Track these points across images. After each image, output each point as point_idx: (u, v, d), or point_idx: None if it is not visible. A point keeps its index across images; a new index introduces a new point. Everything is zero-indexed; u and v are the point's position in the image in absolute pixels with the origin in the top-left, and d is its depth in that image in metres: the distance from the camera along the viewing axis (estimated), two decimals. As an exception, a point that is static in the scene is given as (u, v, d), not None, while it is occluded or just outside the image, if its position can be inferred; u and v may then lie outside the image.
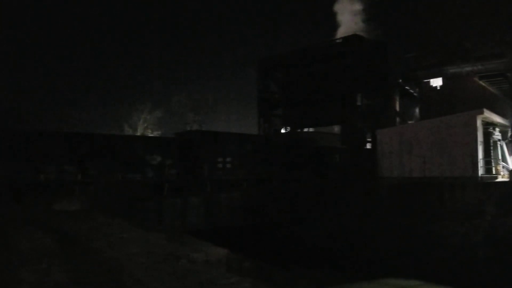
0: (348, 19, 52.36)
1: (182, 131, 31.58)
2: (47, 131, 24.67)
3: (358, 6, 52.24)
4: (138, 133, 54.09)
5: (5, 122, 37.48)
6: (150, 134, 54.61)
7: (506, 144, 33.09)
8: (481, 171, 27.64)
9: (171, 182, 25.72)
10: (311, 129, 51.61)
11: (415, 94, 47.47)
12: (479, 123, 28.29)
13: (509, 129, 33.81)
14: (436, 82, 42.98)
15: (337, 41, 43.88)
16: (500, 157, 31.61)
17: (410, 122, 44.50)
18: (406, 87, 46.96)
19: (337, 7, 53.92)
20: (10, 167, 21.20)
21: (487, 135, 30.45)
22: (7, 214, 15.48)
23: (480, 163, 27.66)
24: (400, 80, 46.14)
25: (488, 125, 30.79)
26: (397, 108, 45.34)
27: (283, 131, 49.09)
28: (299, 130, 49.22)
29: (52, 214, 16.08)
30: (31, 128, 34.70)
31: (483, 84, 39.71)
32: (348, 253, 24.79)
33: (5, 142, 21.41)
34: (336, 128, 51.71)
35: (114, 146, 25.15)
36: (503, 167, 31.27)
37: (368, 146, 40.69)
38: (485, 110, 28.55)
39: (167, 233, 12.08)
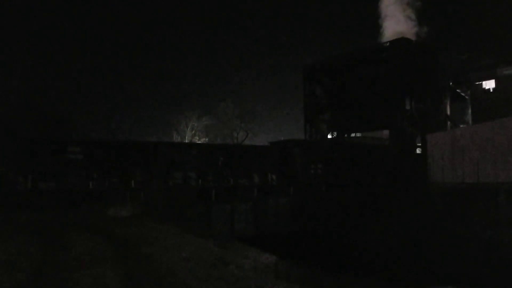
0: (396, 20, 51.29)
1: (277, 141, 34.82)
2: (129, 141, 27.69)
3: (407, 6, 51.03)
4: (186, 140, 54.90)
5: (53, 130, 38.61)
6: (198, 141, 55.33)
7: None
8: (539, 176, 26.38)
9: (272, 186, 28.64)
10: (358, 134, 50.93)
11: (466, 97, 45.95)
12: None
13: None
14: (489, 84, 41.52)
15: (384, 44, 43.09)
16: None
17: (462, 126, 43.08)
18: (457, 90, 45.52)
19: (385, 7, 52.89)
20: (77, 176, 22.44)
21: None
22: (64, 220, 16.07)
23: (538, 167, 26.41)
24: (451, 83, 44.77)
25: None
26: (448, 111, 43.98)
27: (329, 136, 48.67)
28: (345, 135, 48.67)
29: (106, 220, 16.56)
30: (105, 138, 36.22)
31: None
32: (401, 259, 24.20)
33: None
34: (385, 133, 50.76)
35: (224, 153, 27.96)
36: None
37: (418, 151, 39.73)
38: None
39: (216, 238, 12.21)
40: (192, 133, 56.97)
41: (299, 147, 30.91)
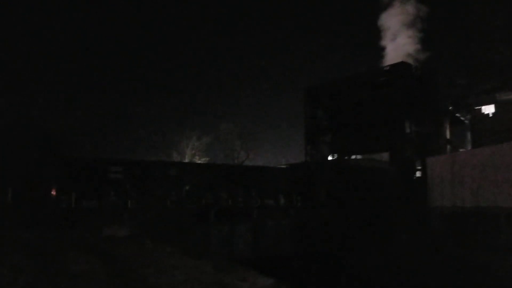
0: (397, 42, 51.78)
1: (297, 162, 35.64)
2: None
3: (409, 29, 51.55)
4: (186, 160, 54.77)
5: (58, 150, 38.49)
6: (198, 161, 55.25)
7: None
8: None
9: (296, 207, 29.47)
10: (358, 156, 50.91)
11: (466, 121, 46.08)
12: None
13: None
14: (488, 109, 41.65)
15: (384, 68, 43.46)
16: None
17: (461, 150, 43.10)
18: (457, 114, 45.68)
19: (386, 29, 53.43)
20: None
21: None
22: (59, 239, 15.95)
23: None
24: (451, 107, 44.96)
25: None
26: (448, 135, 44.07)
27: (330, 158, 48.66)
28: (346, 157, 48.67)
29: (101, 240, 16.44)
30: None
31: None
32: (401, 283, 23.97)
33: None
34: (384, 155, 50.73)
35: (249, 175, 28.76)
36: None
37: (418, 174, 39.69)
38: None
39: (214, 260, 12.11)
40: (192, 152, 56.93)
41: (318, 169, 31.37)
